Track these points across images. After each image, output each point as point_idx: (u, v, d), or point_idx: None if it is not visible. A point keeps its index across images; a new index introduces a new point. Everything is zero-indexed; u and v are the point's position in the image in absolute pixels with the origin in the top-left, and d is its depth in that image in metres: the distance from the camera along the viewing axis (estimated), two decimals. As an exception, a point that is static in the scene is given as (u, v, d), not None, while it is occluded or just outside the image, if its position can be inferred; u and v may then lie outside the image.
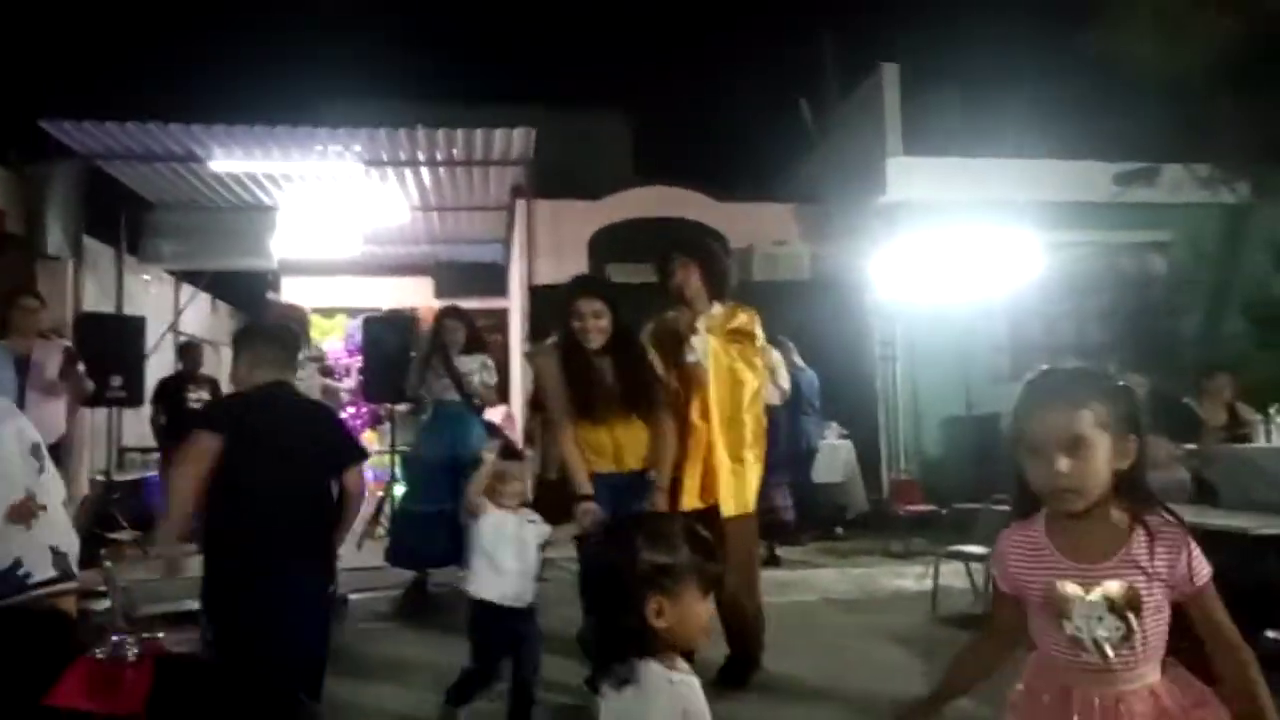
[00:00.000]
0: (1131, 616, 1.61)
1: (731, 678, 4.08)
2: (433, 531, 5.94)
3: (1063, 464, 1.63)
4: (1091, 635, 1.63)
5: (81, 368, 5.65)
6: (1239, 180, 9.11)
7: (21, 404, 4.97)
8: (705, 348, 4.13)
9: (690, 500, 4.06)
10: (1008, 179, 9.37)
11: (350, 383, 11.64)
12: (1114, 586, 1.63)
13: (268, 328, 4.23)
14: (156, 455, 8.83)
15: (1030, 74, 10.51)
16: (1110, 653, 1.62)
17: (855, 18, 12.90)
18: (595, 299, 3.77)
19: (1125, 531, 1.67)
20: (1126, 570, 1.64)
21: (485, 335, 6.64)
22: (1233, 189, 9.15)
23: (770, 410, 6.46)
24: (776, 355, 6.87)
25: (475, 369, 6.16)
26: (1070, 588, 1.66)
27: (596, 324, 3.74)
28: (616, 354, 3.81)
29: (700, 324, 4.18)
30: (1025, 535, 1.76)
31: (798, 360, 7.81)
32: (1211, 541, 1.76)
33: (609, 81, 16.83)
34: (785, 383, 6.85)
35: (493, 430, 6.49)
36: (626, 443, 3.86)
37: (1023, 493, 1.75)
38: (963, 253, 8.43)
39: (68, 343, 6.35)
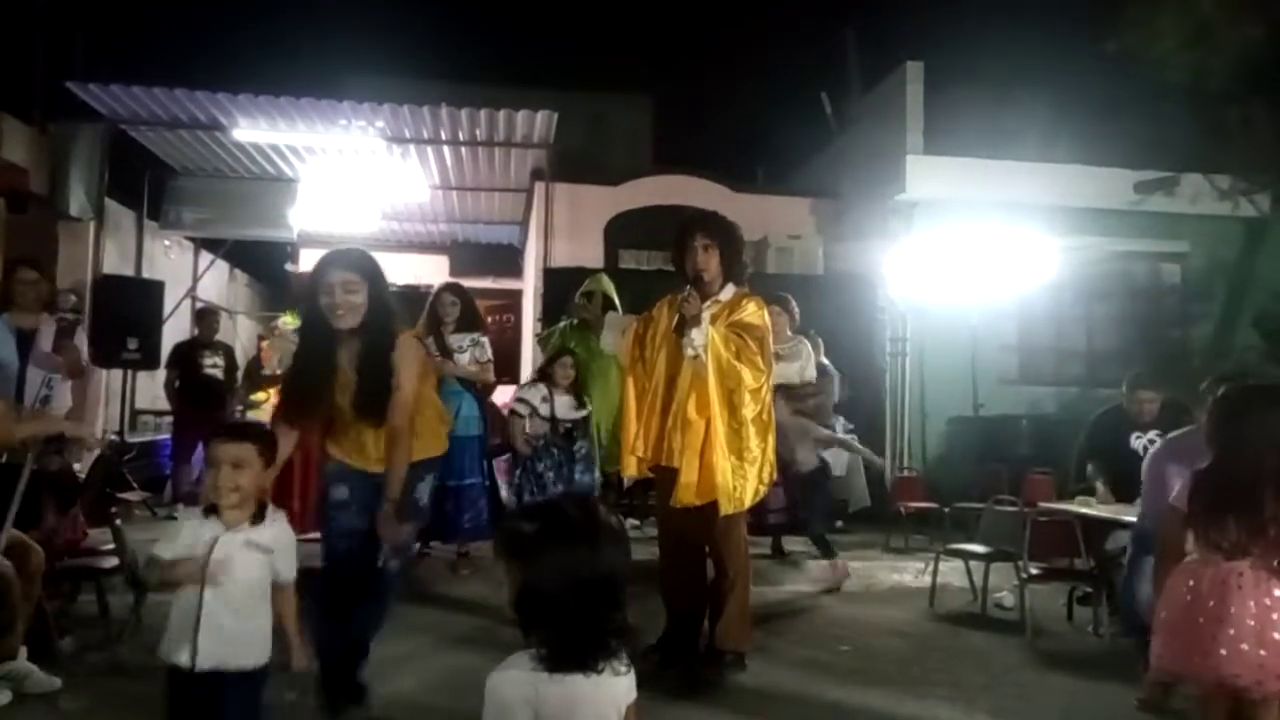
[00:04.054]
0: None
1: (712, 671, 4.08)
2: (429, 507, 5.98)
3: None
4: None
5: (80, 341, 5.53)
6: (1259, 192, 9.07)
7: (23, 379, 4.88)
8: (705, 341, 4.03)
9: (686, 496, 4.04)
10: (1026, 182, 9.34)
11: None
12: None
13: None
14: (169, 418, 8.93)
15: (1054, 78, 10.48)
16: None
17: (881, 13, 12.87)
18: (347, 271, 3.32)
19: None
20: None
21: (485, 314, 6.62)
22: (1252, 201, 9.12)
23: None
24: (807, 347, 6.88)
25: (465, 345, 6.17)
26: None
27: (347, 298, 3.29)
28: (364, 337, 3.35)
29: (705, 315, 4.07)
30: None
31: (823, 359, 7.74)
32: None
33: (632, 69, 16.83)
34: (812, 375, 6.85)
35: (489, 410, 6.51)
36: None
37: None
38: (977, 253, 8.43)
39: (70, 313, 6.28)
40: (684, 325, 4.09)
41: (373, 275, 3.32)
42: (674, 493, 4.06)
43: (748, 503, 4.17)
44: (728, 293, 4.25)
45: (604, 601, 1.67)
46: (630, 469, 4.42)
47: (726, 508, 4.05)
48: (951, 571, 5.95)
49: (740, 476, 4.09)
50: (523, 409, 6.09)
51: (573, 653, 1.65)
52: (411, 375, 3.34)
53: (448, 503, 5.92)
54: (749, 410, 4.12)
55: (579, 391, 6.20)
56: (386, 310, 3.35)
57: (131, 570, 4.24)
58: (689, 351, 4.05)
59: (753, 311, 4.20)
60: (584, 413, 6.18)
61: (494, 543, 1.79)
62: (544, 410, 6.04)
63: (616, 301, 6.70)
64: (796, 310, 6.69)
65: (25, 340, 4.97)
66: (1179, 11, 8.36)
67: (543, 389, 6.12)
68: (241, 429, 2.98)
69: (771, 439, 4.25)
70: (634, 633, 1.75)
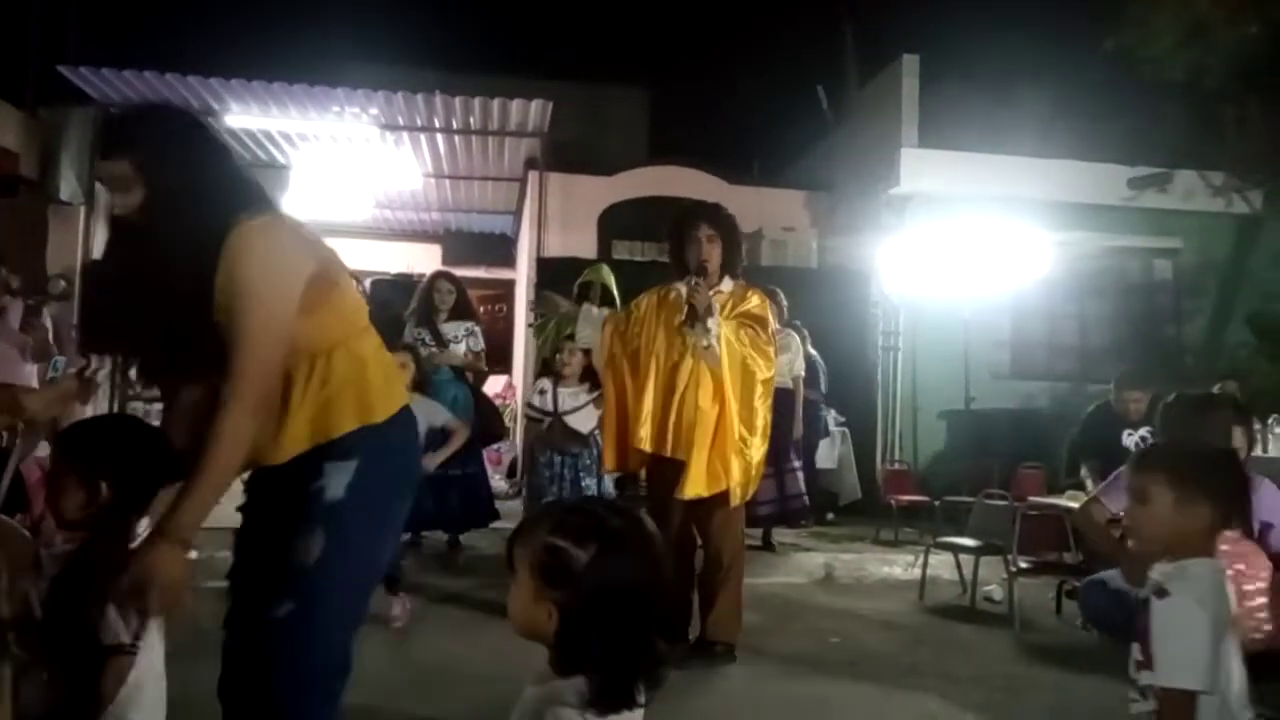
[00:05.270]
0: None
1: (702, 660, 4.07)
2: (419, 496, 5.90)
3: None
4: None
5: (47, 323, 5.60)
6: (1252, 190, 9.10)
7: None
8: (719, 332, 4.03)
9: (696, 488, 4.01)
10: (1020, 177, 9.35)
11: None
12: None
13: None
14: (159, 405, 8.89)
15: (1050, 73, 10.50)
16: None
17: (878, 8, 12.85)
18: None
19: None
20: None
21: (478, 303, 6.56)
22: (1245, 198, 9.15)
23: (788, 395, 6.53)
24: (796, 340, 6.89)
25: (460, 335, 6.13)
26: None
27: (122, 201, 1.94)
28: None
29: (715, 306, 4.06)
30: None
31: (811, 349, 7.75)
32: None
33: (628, 58, 16.77)
34: (801, 368, 6.87)
35: (480, 399, 6.45)
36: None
37: None
38: (971, 248, 8.45)
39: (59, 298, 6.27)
40: (694, 316, 4.07)
41: (152, 154, 1.90)
42: (681, 485, 4.01)
43: (750, 493, 4.22)
44: (726, 284, 4.25)
45: (653, 630, 1.50)
46: (610, 464, 4.42)
47: (737, 498, 4.09)
48: (941, 565, 5.97)
49: (747, 467, 4.12)
50: (532, 412, 5.50)
51: (623, 693, 1.46)
52: (259, 284, 1.86)
53: (450, 492, 5.91)
54: (760, 402, 4.15)
55: (593, 376, 5.30)
56: (179, 207, 1.88)
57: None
58: (703, 342, 4.03)
59: (757, 304, 4.21)
60: (590, 398, 5.30)
61: (508, 546, 1.54)
62: (543, 404, 5.34)
63: (615, 293, 6.65)
64: (784, 302, 6.69)
65: None
66: (1175, 10, 8.38)
67: (543, 383, 5.57)
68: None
69: (769, 431, 4.28)
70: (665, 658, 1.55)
